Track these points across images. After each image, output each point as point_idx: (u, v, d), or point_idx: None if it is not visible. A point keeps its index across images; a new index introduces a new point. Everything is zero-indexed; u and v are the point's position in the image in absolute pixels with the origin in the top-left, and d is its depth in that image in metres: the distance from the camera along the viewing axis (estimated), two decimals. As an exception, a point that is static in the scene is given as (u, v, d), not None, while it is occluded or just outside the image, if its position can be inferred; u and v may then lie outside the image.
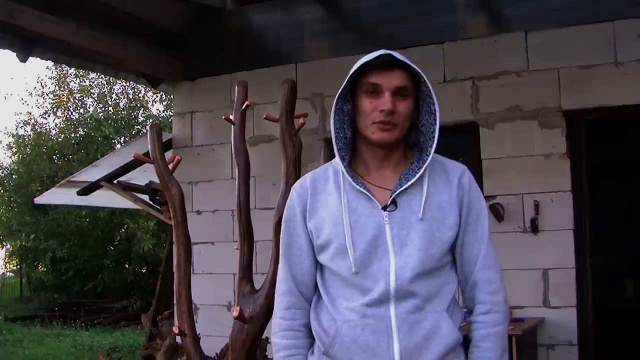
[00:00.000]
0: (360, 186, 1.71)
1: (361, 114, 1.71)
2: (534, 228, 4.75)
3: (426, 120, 1.74)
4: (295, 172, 2.97)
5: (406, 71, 1.70)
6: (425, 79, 1.71)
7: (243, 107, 3.16)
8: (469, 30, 5.06)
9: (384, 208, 1.69)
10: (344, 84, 1.73)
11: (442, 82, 5.07)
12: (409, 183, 1.69)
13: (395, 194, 1.69)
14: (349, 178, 1.72)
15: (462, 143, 4.98)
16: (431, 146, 1.71)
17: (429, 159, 1.70)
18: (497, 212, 4.75)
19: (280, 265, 1.83)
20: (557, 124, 4.77)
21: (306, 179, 1.82)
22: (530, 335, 4.43)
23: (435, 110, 1.72)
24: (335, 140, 1.74)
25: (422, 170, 1.70)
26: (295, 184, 1.85)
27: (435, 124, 1.71)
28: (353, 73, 1.71)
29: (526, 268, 4.71)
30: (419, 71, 1.70)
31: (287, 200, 1.83)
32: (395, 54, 1.69)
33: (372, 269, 1.66)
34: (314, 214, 1.75)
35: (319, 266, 1.77)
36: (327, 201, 1.74)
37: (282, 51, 5.76)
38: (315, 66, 5.49)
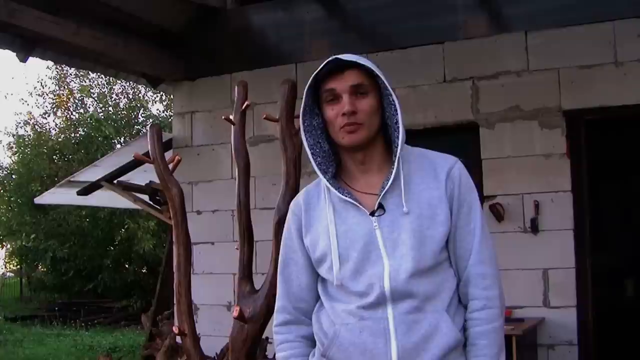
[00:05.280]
0: (347, 195, 1.71)
1: (329, 124, 1.73)
2: (534, 228, 4.75)
3: (389, 113, 1.73)
4: (295, 172, 2.96)
5: (359, 69, 1.70)
6: (378, 72, 1.70)
7: (243, 107, 3.16)
8: (469, 30, 5.05)
9: (372, 213, 1.69)
10: (303, 101, 1.76)
11: (442, 82, 5.05)
12: (389, 184, 1.69)
13: (380, 197, 1.69)
14: (334, 190, 1.72)
15: (462, 143, 4.98)
16: (397, 138, 1.70)
17: (398, 151, 1.69)
18: (497, 212, 4.74)
19: (277, 282, 1.84)
20: (557, 124, 4.78)
21: (299, 197, 1.83)
22: (530, 335, 4.43)
23: (394, 101, 1.71)
24: (313, 156, 1.75)
25: (395, 167, 1.69)
26: (291, 202, 1.86)
27: (397, 114, 1.70)
28: (311, 87, 1.74)
29: (526, 268, 4.71)
30: (370, 65, 1.70)
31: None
32: (343, 56, 1.71)
33: (366, 275, 1.65)
34: (309, 230, 1.76)
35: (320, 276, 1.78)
36: (321, 215, 1.75)
37: (282, 51, 5.76)
38: (315, 66, 5.43)
